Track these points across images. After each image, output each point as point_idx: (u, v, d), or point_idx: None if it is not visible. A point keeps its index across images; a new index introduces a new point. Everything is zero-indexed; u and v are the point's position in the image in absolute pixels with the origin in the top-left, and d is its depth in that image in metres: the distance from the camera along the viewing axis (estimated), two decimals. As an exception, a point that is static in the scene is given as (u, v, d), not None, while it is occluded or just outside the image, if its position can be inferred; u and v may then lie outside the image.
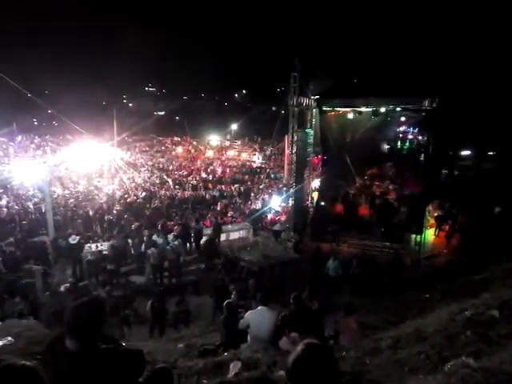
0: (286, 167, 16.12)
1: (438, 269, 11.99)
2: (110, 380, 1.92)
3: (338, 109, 15.09)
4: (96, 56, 50.55)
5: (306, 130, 15.27)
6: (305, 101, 14.62)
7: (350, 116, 14.78)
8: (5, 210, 16.51)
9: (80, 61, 47.25)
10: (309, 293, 8.14)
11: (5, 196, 18.29)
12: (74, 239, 11.63)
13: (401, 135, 18.90)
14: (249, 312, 5.31)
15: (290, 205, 15.15)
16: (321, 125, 15.40)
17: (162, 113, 51.32)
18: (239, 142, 38.43)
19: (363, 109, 14.34)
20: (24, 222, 14.93)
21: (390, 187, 16.63)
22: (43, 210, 14.83)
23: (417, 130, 18.32)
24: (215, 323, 7.90)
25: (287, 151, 15.18)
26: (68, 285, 9.31)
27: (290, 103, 14.05)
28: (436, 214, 14.88)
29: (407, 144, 18.82)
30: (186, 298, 9.50)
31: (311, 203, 16.40)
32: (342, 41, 42.79)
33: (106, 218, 15.77)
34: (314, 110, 15.38)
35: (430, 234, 14.39)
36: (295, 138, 14.45)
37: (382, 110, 14.33)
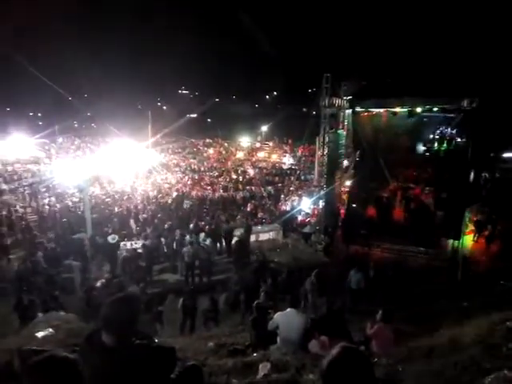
0: (316, 169, 15.97)
1: (476, 276, 11.44)
2: (144, 375, 1.98)
3: (372, 109, 14.79)
4: (132, 61, 52.29)
5: (338, 132, 15.06)
6: (337, 101, 14.42)
7: (384, 117, 14.44)
8: (47, 207, 17.44)
9: (117, 66, 48.99)
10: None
11: (47, 194, 19.33)
12: (113, 238, 12.01)
13: (438, 136, 18.18)
14: (278, 313, 5.30)
15: (321, 207, 14.98)
16: (353, 126, 15.15)
17: (195, 115, 52.26)
18: (270, 144, 38.46)
19: (398, 109, 13.97)
20: (64, 220, 15.68)
21: (426, 190, 16.08)
22: (82, 209, 15.52)
23: (455, 131, 17.57)
24: (244, 323, 7.93)
25: (318, 153, 15.03)
26: (104, 281, 9.70)
27: (322, 104, 13.89)
28: (475, 219, 14.23)
29: (445, 145, 18.07)
30: (215, 297, 9.62)
31: (342, 205, 16.14)
32: (375, 40, 41.80)
33: (140, 217, 16.29)
34: (347, 111, 15.13)
35: (468, 240, 13.77)
36: (327, 139, 14.29)
37: (418, 110, 13.90)
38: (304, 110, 43.14)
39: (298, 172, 24.42)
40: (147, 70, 50.49)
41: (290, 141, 36.72)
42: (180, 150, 36.00)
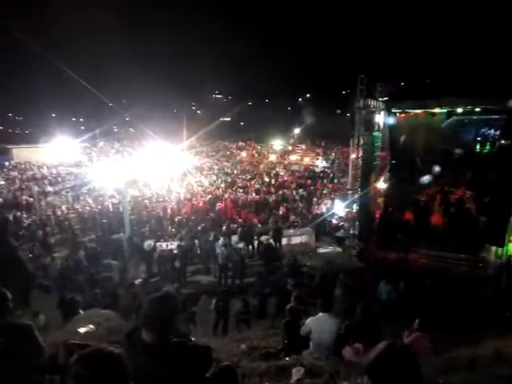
0: (350, 172, 15.68)
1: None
2: (181, 372, 2.04)
3: (409, 110, 14.33)
4: (167, 68, 53.79)
5: (374, 134, 14.71)
6: (372, 103, 14.10)
7: (422, 118, 13.96)
8: (87, 208, 18.27)
9: (153, 73, 50.66)
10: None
11: (87, 196, 20.25)
12: (149, 245, 12.32)
13: (480, 138, 17.32)
14: (310, 318, 5.25)
15: (355, 211, 14.69)
16: (389, 128, 14.74)
17: (228, 119, 52.96)
18: (303, 147, 38.24)
19: (437, 110, 13.46)
20: (104, 221, 16.35)
21: (467, 194, 15.35)
22: (121, 210, 16.12)
23: (499, 132, 16.66)
24: (275, 327, 7.92)
25: (352, 155, 14.76)
26: (141, 280, 10.03)
27: (357, 106, 13.64)
28: (521, 225, 13.40)
29: (487, 147, 17.17)
30: (247, 300, 9.67)
31: (377, 209, 15.73)
32: (412, 39, 40.46)
33: (176, 219, 16.71)
34: (382, 113, 14.77)
35: (514, 247, 12.99)
36: (361, 141, 14.01)
37: (459, 110, 13.33)
38: (338, 112, 42.59)
39: (331, 175, 24.09)
40: (182, 75, 51.79)
41: (322, 143, 36.39)
42: (213, 153, 36.57)
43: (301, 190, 21.43)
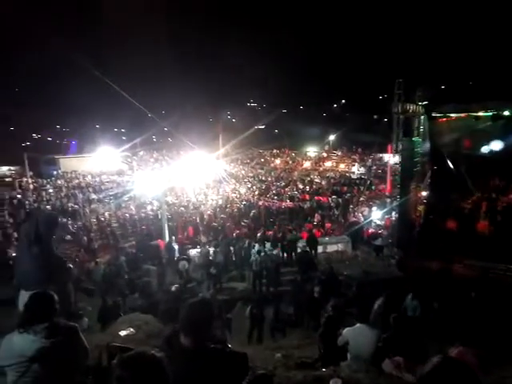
0: (388, 178, 15.27)
1: None
2: (218, 378, 2.06)
3: (451, 114, 13.75)
4: (204, 78, 55.20)
5: (413, 139, 14.24)
6: (411, 107, 13.68)
7: (465, 122, 13.34)
8: (127, 215, 18.99)
9: (190, 83, 52.21)
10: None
11: (129, 203, 21.04)
12: (183, 266, 12.19)
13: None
14: (347, 329, 5.10)
15: (394, 218, 14.23)
16: (430, 132, 14.21)
17: (263, 126, 53.27)
18: (339, 153, 37.68)
19: (481, 113, 12.81)
20: (143, 227, 16.92)
21: (517, 201, 14.42)
22: (159, 217, 16.62)
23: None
24: (311, 336, 7.78)
25: (391, 162, 14.37)
26: (178, 285, 10.23)
27: (395, 111, 13.30)
28: None
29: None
30: (282, 308, 9.60)
31: (418, 217, 15.14)
32: (453, 39, 38.88)
33: (212, 225, 16.99)
34: (422, 117, 14.27)
35: None
36: (400, 147, 13.61)
37: (506, 113, 12.62)
38: (375, 117, 41.64)
39: (368, 182, 23.55)
40: (218, 85, 53.01)
41: (359, 149, 35.70)
42: (248, 161, 36.87)
43: (334, 197, 21.04)
